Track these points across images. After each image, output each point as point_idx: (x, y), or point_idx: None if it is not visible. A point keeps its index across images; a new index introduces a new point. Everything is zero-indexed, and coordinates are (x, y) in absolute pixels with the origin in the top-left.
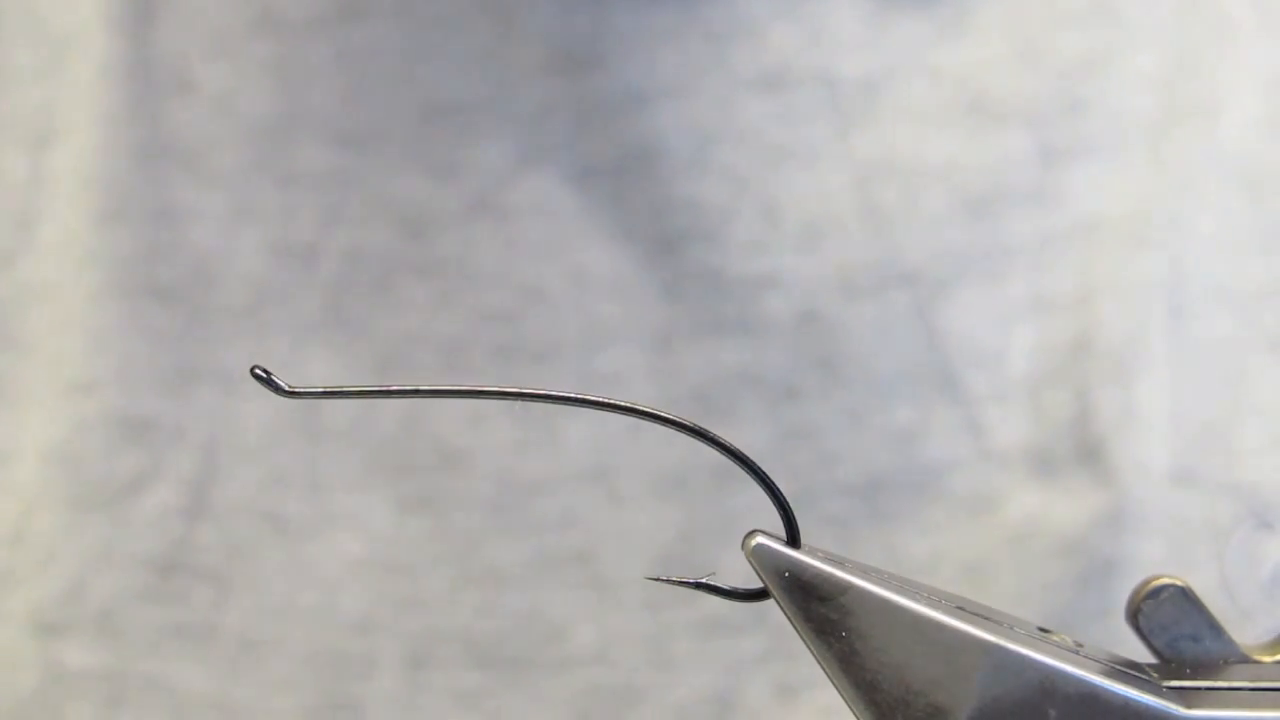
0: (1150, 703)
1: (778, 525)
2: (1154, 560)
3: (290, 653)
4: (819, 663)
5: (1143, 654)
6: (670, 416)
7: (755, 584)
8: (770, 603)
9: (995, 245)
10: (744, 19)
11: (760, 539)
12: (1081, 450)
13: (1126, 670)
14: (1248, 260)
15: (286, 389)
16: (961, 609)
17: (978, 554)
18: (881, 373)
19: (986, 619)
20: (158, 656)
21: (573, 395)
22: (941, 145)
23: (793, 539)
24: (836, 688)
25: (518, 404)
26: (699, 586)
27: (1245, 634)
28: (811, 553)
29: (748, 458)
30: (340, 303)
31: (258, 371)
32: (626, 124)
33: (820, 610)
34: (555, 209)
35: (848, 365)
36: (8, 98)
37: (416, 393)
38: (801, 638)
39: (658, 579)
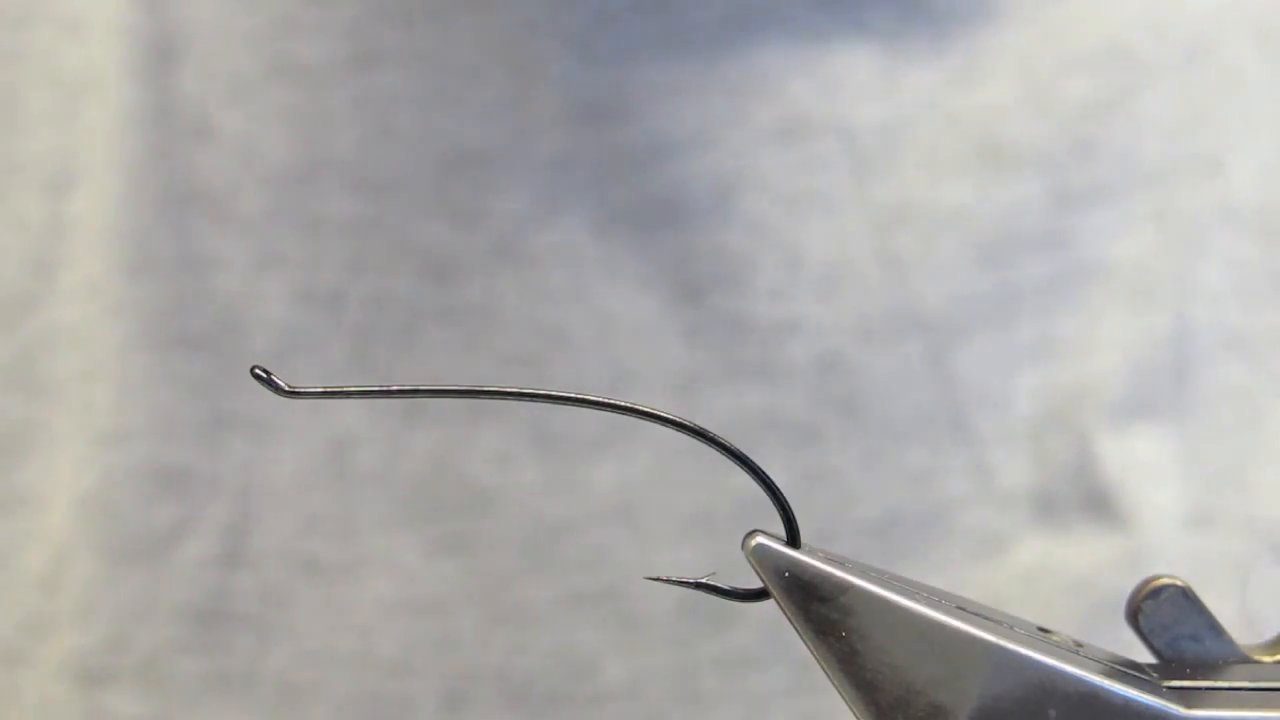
0: (1150, 703)
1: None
2: None
3: (330, 696)
4: (819, 663)
5: (1143, 654)
6: (670, 416)
7: (755, 584)
8: (794, 638)
9: (1007, 291)
10: (762, 72)
11: (760, 539)
12: (1086, 495)
13: (1126, 670)
14: (1260, 306)
15: (287, 389)
16: (961, 609)
17: (988, 592)
18: (897, 416)
19: (986, 619)
20: (201, 705)
21: (572, 395)
22: (956, 191)
23: (793, 539)
24: (836, 688)
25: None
26: (699, 586)
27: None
28: (811, 553)
29: (747, 457)
30: (366, 349)
31: (257, 371)
32: (649, 173)
33: (820, 610)
34: (578, 256)
35: (865, 409)
36: (25, 141)
37: (416, 392)
38: (801, 638)
39: (658, 579)
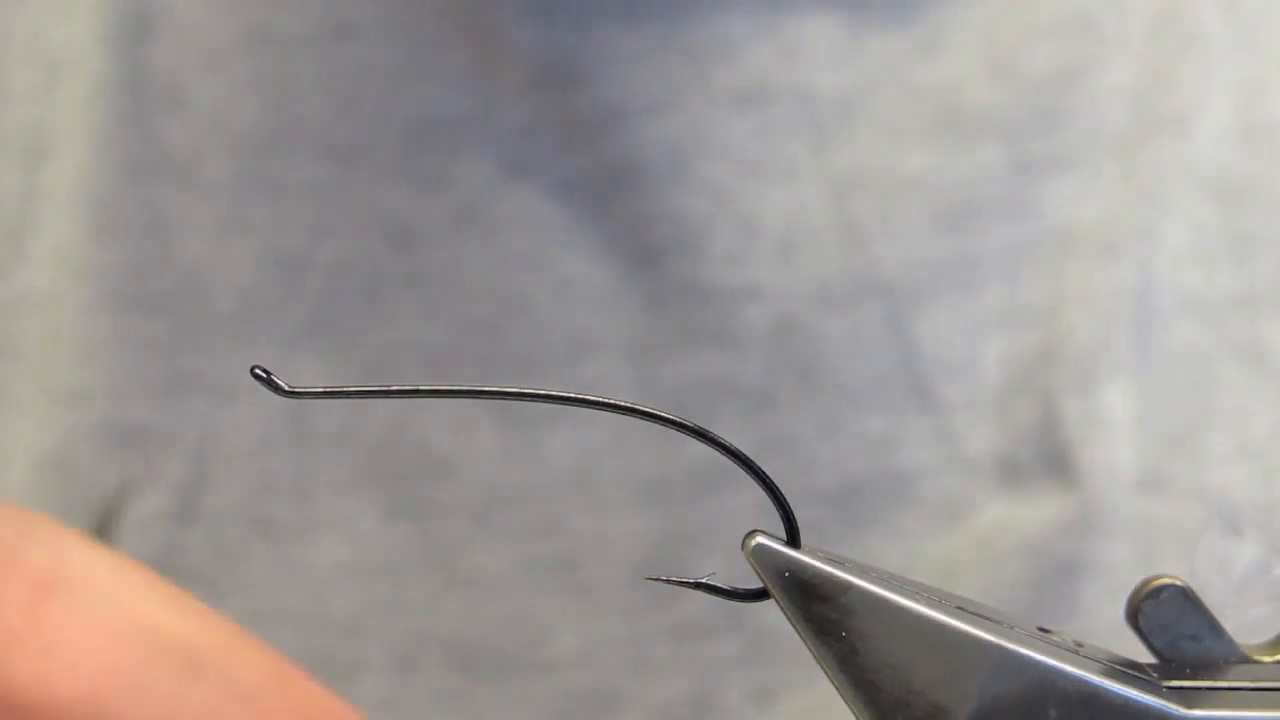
0: (1150, 703)
1: (771, 527)
2: (1121, 562)
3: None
4: (819, 663)
5: (1143, 654)
6: (671, 416)
7: (754, 584)
8: (748, 608)
9: (968, 257)
10: (721, 37)
11: (760, 539)
12: (1046, 456)
13: (1126, 670)
14: (1218, 270)
15: (286, 389)
16: (961, 609)
17: (949, 560)
18: (856, 382)
19: (986, 619)
20: None
21: (572, 395)
22: (916, 159)
23: (793, 539)
24: (836, 688)
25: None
26: (699, 586)
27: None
28: (811, 553)
29: (749, 459)
30: (328, 312)
31: (257, 371)
32: (608, 139)
33: (820, 610)
34: (539, 221)
35: (823, 375)
36: (5, 114)
37: (416, 393)
38: (801, 638)
39: (657, 579)
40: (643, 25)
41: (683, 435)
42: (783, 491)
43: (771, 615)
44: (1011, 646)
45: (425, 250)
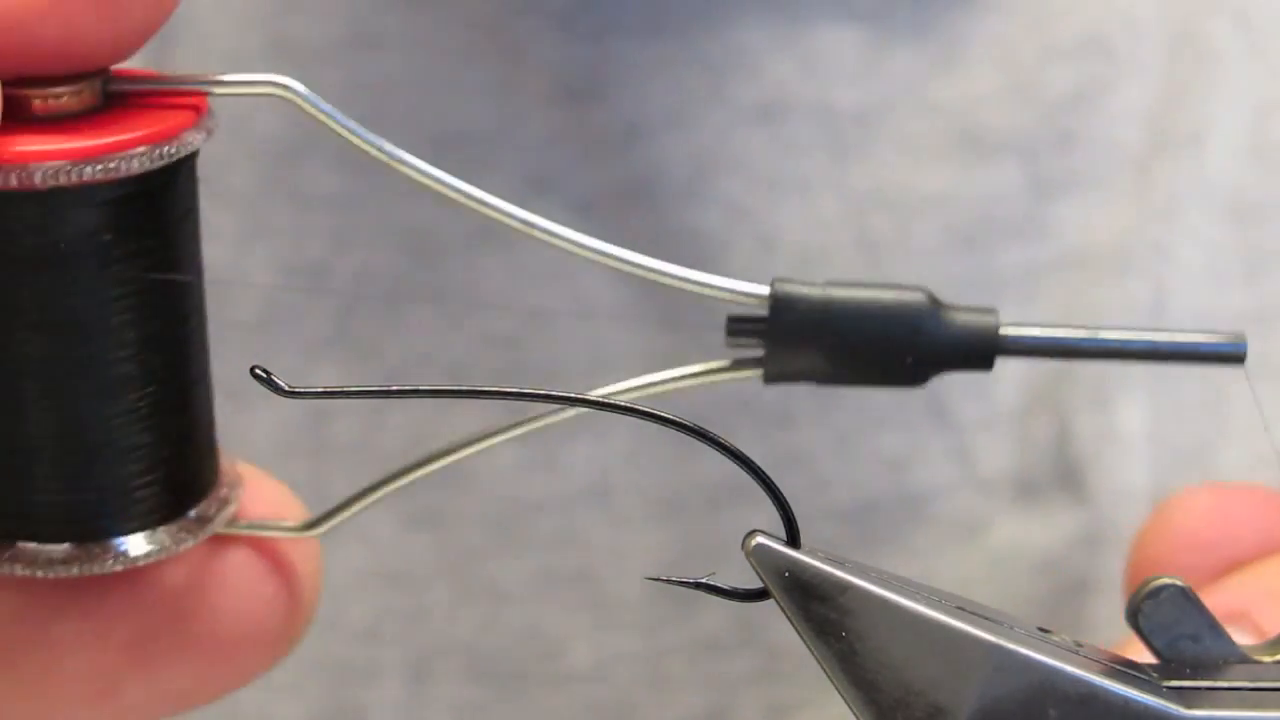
0: (1150, 703)
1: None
2: None
3: (296, 660)
4: (818, 663)
5: (1143, 654)
6: (671, 417)
7: (755, 585)
8: (764, 624)
9: (985, 275)
10: (741, 52)
11: (760, 539)
12: (1062, 474)
13: (1126, 670)
14: (1230, 287)
15: (286, 389)
16: (961, 609)
17: (963, 577)
18: (873, 401)
19: (986, 619)
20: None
21: (574, 395)
22: (934, 177)
23: (793, 539)
24: (836, 688)
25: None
26: (699, 586)
27: None
28: (811, 553)
29: (748, 458)
30: (349, 323)
31: (258, 371)
32: (628, 154)
33: (820, 610)
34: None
35: (840, 393)
36: None
37: (416, 393)
38: (801, 638)
39: (658, 579)
40: (662, 39)
41: (700, 450)
42: (790, 502)
43: (787, 632)
44: (1011, 647)
45: (445, 263)
